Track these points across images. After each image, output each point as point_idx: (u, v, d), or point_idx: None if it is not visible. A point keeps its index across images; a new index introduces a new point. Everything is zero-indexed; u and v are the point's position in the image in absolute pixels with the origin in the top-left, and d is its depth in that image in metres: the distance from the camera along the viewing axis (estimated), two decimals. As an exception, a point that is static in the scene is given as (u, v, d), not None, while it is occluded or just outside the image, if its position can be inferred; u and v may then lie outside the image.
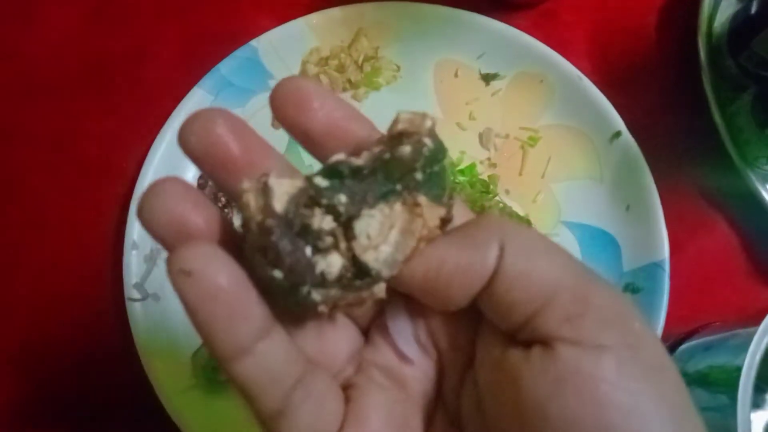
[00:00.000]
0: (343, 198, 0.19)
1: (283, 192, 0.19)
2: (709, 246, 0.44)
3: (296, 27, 0.46)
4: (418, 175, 0.19)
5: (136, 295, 0.39)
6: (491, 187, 0.42)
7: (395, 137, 0.20)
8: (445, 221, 0.20)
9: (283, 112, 0.20)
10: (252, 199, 0.18)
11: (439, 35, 0.46)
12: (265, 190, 0.18)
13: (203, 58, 0.46)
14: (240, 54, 0.45)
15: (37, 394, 0.41)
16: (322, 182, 0.19)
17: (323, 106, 0.20)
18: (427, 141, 0.19)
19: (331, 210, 0.19)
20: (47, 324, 0.42)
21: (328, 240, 0.19)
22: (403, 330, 0.22)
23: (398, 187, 0.20)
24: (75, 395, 0.41)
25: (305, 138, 0.20)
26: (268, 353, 0.19)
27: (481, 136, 0.45)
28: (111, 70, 0.47)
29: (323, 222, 0.19)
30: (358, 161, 0.20)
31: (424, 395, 0.23)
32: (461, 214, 0.22)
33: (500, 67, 0.46)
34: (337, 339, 0.22)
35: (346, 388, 0.22)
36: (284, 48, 0.46)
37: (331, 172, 0.20)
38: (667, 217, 0.42)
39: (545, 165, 0.45)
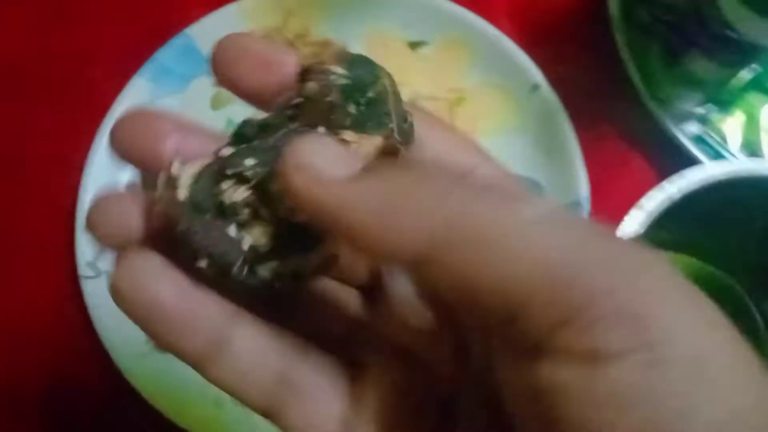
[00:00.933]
0: (250, 161, 0.17)
1: (188, 176, 0.17)
2: (627, 184, 0.46)
3: (230, 12, 0.49)
4: (351, 108, 0.17)
5: (89, 273, 0.42)
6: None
7: (303, 77, 0.18)
8: (388, 150, 0.17)
9: (225, 74, 0.18)
10: (163, 194, 0.17)
11: (365, 9, 0.49)
12: (169, 180, 0.17)
13: (144, 49, 0.48)
14: (176, 42, 0.48)
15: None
16: (227, 152, 0.17)
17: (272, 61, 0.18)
18: (337, 69, 0.17)
19: (240, 179, 0.17)
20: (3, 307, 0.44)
21: (246, 211, 0.17)
22: (404, 291, 0.19)
23: (320, 129, 0.17)
24: (34, 369, 0.43)
25: (257, 98, 0.18)
26: (235, 356, 0.17)
27: (410, 100, 0.48)
28: (57, 68, 0.49)
29: (235, 194, 0.17)
30: (263, 116, 0.18)
31: (444, 371, 0.18)
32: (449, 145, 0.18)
33: (425, 35, 0.49)
34: (333, 315, 0.20)
35: (353, 366, 0.19)
36: (219, 33, 0.48)
37: (238, 137, 0.18)
38: (587, 160, 0.44)
39: (473, 122, 0.47)
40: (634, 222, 0.30)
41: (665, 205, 0.31)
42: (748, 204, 0.33)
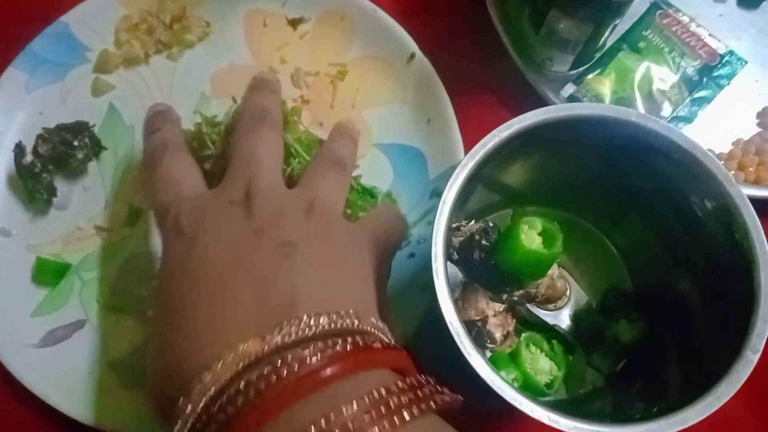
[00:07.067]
0: None
1: None
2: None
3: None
4: None
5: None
6: (294, 118, 0.45)
7: None
8: None
9: None
10: None
11: (242, -12, 0.49)
12: None
13: (20, 39, 0.47)
14: (51, 31, 0.47)
15: None
16: None
17: None
18: None
19: None
20: None
21: None
22: None
23: None
24: None
25: None
26: None
27: (292, 76, 0.48)
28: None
29: None
30: None
31: None
32: None
33: (304, 11, 0.49)
34: None
35: None
36: (95, 20, 0.48)
37: None
38: (465, 125, 0.45)
39: (355, 95, 0.48)
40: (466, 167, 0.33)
41: (493, 148, 0.33)
42: (582, 144, 0.36)
